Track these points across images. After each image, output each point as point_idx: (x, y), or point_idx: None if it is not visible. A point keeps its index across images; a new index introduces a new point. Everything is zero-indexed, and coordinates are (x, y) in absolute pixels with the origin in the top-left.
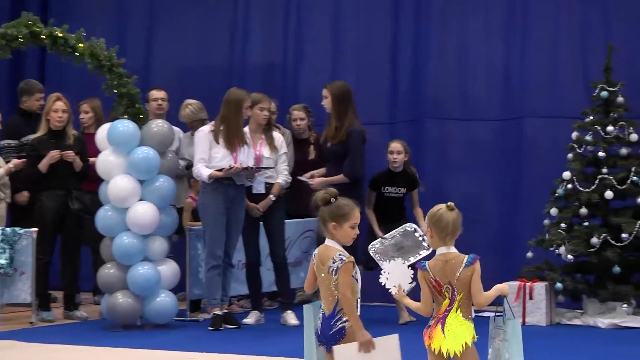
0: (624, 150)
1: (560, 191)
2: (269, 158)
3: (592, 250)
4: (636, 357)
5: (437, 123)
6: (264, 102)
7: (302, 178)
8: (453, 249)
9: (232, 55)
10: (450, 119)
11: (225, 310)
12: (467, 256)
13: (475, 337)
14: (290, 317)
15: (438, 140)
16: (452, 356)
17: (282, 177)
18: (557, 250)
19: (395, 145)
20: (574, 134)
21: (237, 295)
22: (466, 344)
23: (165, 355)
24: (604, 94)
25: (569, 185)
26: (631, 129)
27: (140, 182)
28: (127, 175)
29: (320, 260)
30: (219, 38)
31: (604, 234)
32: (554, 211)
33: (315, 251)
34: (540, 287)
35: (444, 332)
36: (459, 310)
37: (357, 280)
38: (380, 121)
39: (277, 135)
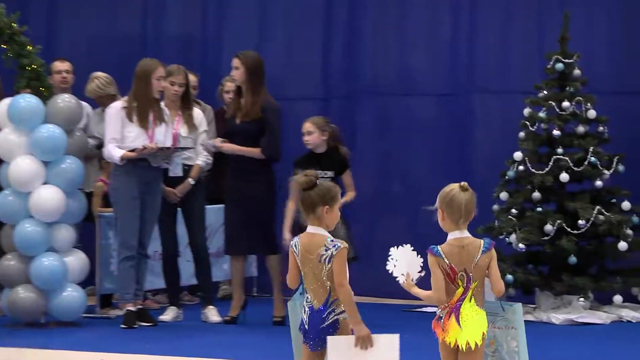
0: (580, 128)
1: (510, 173)
2: (188, 137)
3: (545, 238)
4: (592, 356)
5: (375, 98)
6: (175, 75)
7: (209, 142)
8: (467, 233)
9: (145, 24)
10: (389, 94)
11: (140, 306)
12: (482, 241)
13: (487, 327)
14: (212, 314)
15: (376, 117)
16: (472, 348)
17: (201, 158)
18: (507, 239)
19: (305, 125)
20: (526, 111)
21: (153, 289)
22: (483, 334)
23: (72, 356)
24: (559, 66)
25: (521, 167)
26: (589, 104)
27: (45, 164)
28: (30, 156)
29: (305, 250)
30: (132, 4)
31: (558, 221)
32: (503, 195)
33: (296, 240)
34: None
35: (459, 324)
36: (472, 299)
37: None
38: (312, 97)
39: (196, 111)
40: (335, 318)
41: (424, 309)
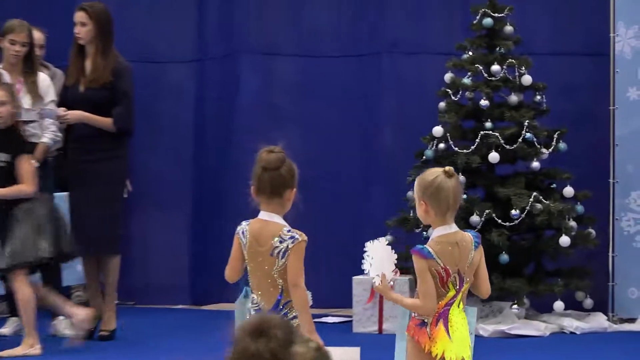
0: (513, 98)
1: (429, 153)
2: (31, 109)
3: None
4: None
5: (258, 59)
6: (16, 32)
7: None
8: (455, 227)
9: None
10: (275, 54)
11: None
12: (470, 234)
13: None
14: (62, 325)
15: (259, 81)
16: None
17: (48, 134)
18: (424, 233)
19: None
20: (448, 76)
21: None
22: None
23: None
24: (488, 21)
25: (441, 145)
26: (523, 68)
27: None
28: None
29: (255, 240)
30: None
31: (487, 211)
32: None
33: (244, 227)
34: (402, 283)
35: (449, 334)
36: (461, 302)
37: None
38: (182, 59)
39: (42, 77)
40: None
41: (324, 319)
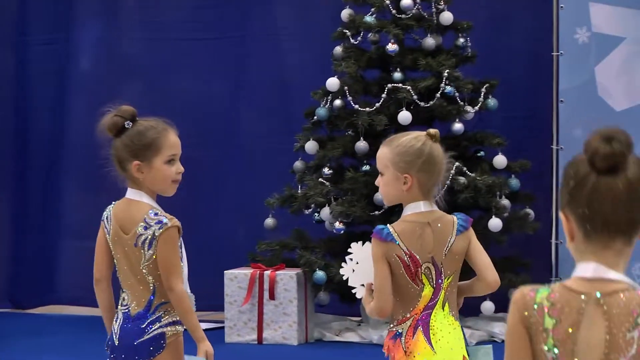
0: (430, 41)
1: (321, 112)
2: None
3: (376, 213)
4: None
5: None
6: None
7: None
8: (434, 206)
9: None
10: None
11: None
12: (455, 217)
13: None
14: None
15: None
16: None
17: None
18: (316, 214)
19: None
20: (345, 13)
21: None
22: (464, 358)
23: None
24: None
25: (338, 102)
26: (442, 3)
27: None
28: None
29: (119, 225)
30: None
31: None
32: (311, 147)
33: (109, 210)
34: (288, 279)
35: (432, 346)
36: (446, 304)
37: (182, 258)
38: None
39: None
40: (159, 331)
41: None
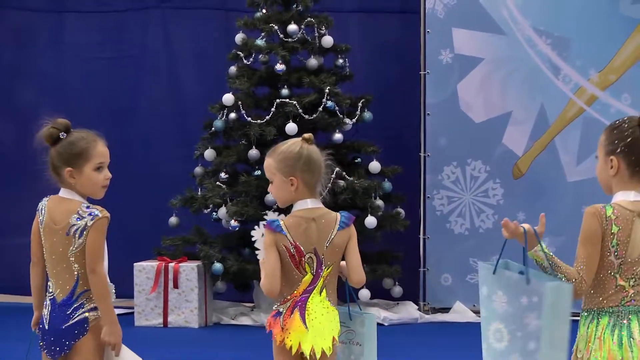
0: (313, 61)
1: (218, 123)
2: None
3: (266, 212)
4: None
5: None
6: None
7: None
8: (319, 203)
9: None
10: (34, 10)
11: None
12: (339, 214)
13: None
14: None
15: (19, 37)
16: (317, 356)
17: None
18: (214, 214)
19: None
20: (239, 37)
21: None
22: (334, 339)
23: None
24: None
25: (232, 115)
26: (324, 28)
27: None
28: None
29: (50, 217)
30: None
31: None
32: (209, 154)
33: (44, 203)
34: (189, 270)
35: (305, 324)
36: (324, 291)
37: (105, 250)
38: None
39: None
40: (83, 316)
41: None
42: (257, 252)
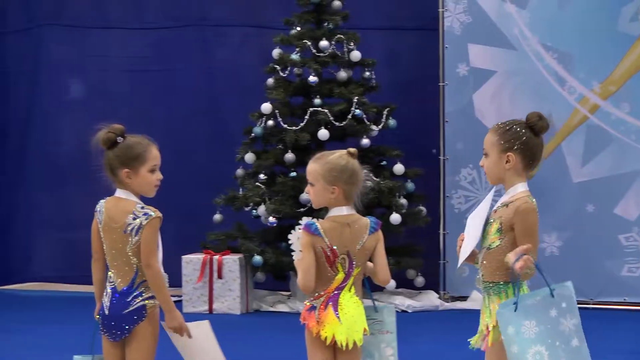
0: (342, 74)
1: (257, 130)
2: None
3: (302, 210)
4: None
5: (65, 32)
6: None
7: None
8: (352, 210)
9: None
10: (78, 26)
11: None
12: (368, 219)
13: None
14: None
15: (64, 54)
16: (349, 347)
17: None
18: (254, 211)
19: None
20: (275, 52)
21: None
22: (364, 330)
23: None
24: None
25: (270, 122)
26: (352, 44)
27: None
28: None
29: (109, 217)
30: None
31: None
32: (249, 157)
33: (101, 204)
34: (232, 262)
35: (339, 317)
36: (352, 288)
37: (159, 245)
38: None
39: None
40: (141, 303)
41: None
42: (292, 253)
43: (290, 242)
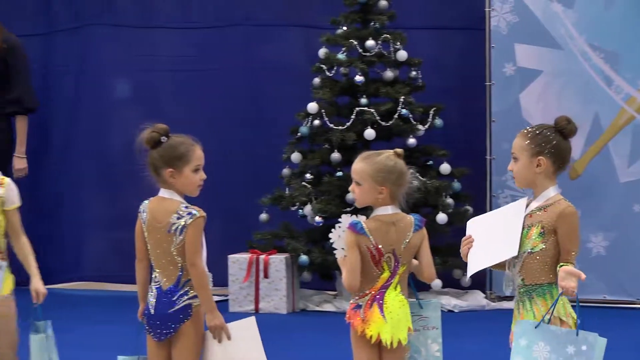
0: (389, 74)
1: (304, 130)
2: None
3: (348, 209)
4: None
5: (111, 32)
6: None
7: None
8: (397, 209)
9: None
10: (124, 26)
11: None
12: (412, 217)
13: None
14: None
15: (110, 53)
16: (394, 346)
17: None
18: (300, 211)
19: None
20: (322, 51)
21: None
22: (409, 329)
23: None
24: None
25: (316, 122)
26: (399, 43)
27: None
28: None
29: (153, 217)
30: None
31: None
32: (295, 157)
33: (145, 205)
34: (278, 262)
35: (384, 316)
36: (398, 286)
37: (203, 245)
38: (30, 32)
39: None
40: (187, 302)
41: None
42: (335, 251)
43: (331, 240)
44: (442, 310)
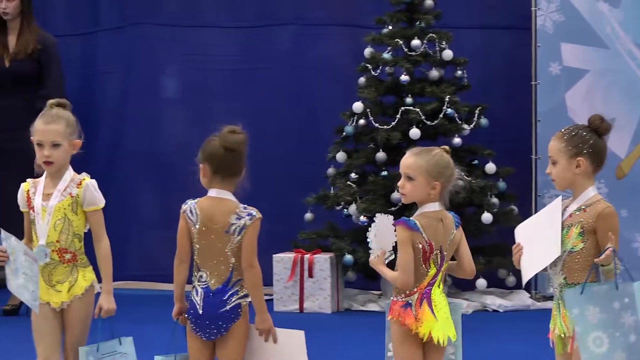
0: (434, 73)
1: (348, 129)
2: None
3: (392, 209)
4: None
5: (157, 31)
6: None
7: None
8: (442, 206)
9: None
10: (170, 25)
11: None
12: (451, 214)
13: None
14: None
15: (156, 52)
16: (445, 343)
17: None
18: (345, 210)
19: None
20: (367, 51)
21: None
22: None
23: None
24: None
25: (361, 121)
26: (444, 43)
27: None
28: None
29: (208, 218)
30: None
31: None
32: (340, 156)
33: (191, 205)
34: (323, 261)
35: (434, 314)
36: (441, 283)
37: None
38: (74, 31)
39: None
40: (237, 302)
41: None
42: (370, 250)
43: (368, 240)
44: (487, 310)
